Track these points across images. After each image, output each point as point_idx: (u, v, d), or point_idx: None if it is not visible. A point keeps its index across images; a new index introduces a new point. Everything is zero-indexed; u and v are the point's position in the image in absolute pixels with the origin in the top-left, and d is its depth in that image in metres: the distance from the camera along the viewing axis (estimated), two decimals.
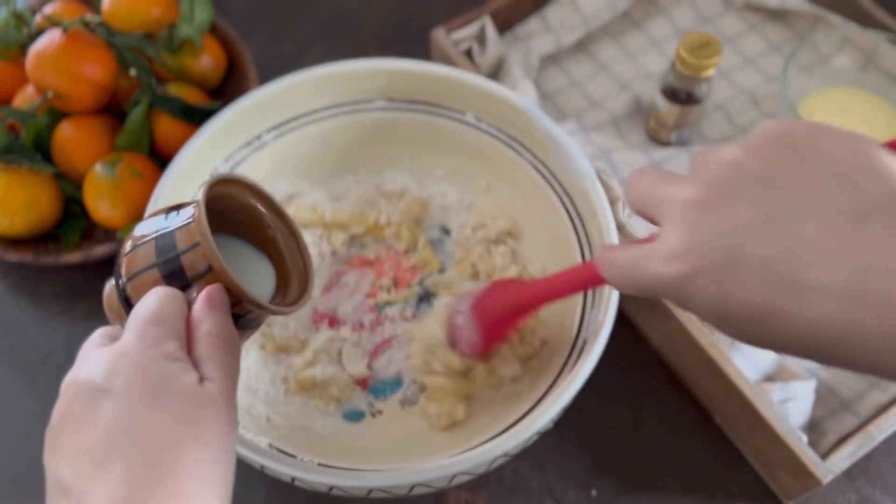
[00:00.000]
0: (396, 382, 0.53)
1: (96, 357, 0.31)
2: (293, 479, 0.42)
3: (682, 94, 0.58)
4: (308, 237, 0.57)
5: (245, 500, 0.51)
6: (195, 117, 0.59)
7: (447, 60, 0.64)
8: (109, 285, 0.37)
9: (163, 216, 0.36)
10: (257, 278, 0.40)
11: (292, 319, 0.55)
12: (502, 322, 0.47)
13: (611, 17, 0.68)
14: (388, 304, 0.56)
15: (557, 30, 0.68)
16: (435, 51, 0.66)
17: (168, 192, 0.50)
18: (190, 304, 0.34)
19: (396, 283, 0.57)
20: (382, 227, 0.58)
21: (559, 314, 0.51)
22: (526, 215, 0.56)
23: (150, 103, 0.59)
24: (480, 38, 0.66)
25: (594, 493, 0.52)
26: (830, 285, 0.25)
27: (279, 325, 0.54)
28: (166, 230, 0.35)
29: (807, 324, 0.26)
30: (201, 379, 0.31)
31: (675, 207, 0.29)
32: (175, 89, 0.61)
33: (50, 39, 0.56)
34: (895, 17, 0.65)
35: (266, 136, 0.56)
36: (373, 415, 0.52)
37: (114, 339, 0.33)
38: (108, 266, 0.55)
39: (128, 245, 0.36)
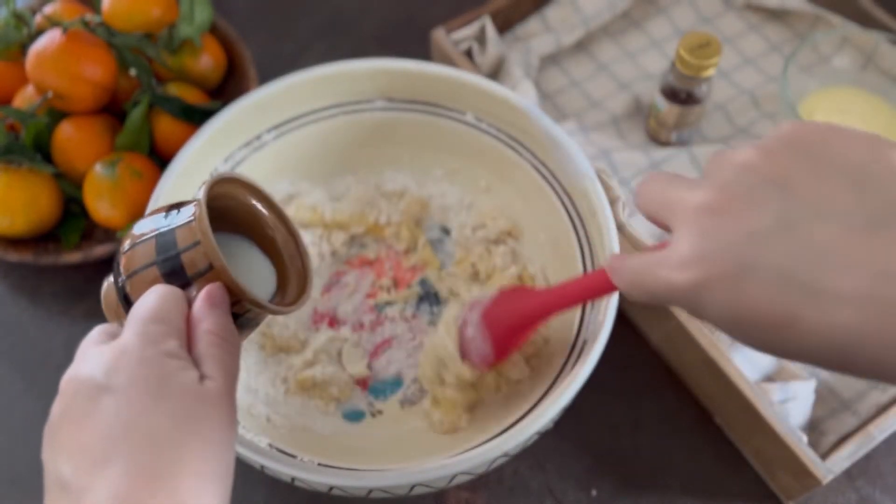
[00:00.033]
0: (396, 382, 0.53)
1: (96, 354, 0.31)
2: (293, 479, 0.42)
3: (682, 94, 0.58)
4: (308, 237, 0.57)
5: (245, 500, 0.51)
6: (195, 117, 0.59)
7: (447, 60, 0.64)
8: (108, 283, 0.37)
9: (162, 215, 0.36)
10: (257, 278, 0.40)
11: (292, 319, 0.55)
12: (514, 333, 0.45)
13: (611, 17, 0.68)
14: (388, 304, 0.56)
15: (557, 30, 0.68)
16: (435, 51, 0.66)
17: (168, 192, 0.49)
18: (190, 302, 0.34)
19: (396, 283, 0.57)
20: (382, 227, 0.58)
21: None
22: (526, 215, 0.56)
23: (150, 103, 0.59)
24: (480, 38, 0.66)
25: (594, 493, 0.52)
26: (849, 292, 0.25)
27: (279, 325, 0.54)
28: (167, 228, 0.35)
29: (825, 331, 0.25)
30: (201, 377, 0.31)
31: (686, 213, 0.28)
32: (175, 89, 0.61)
33: (50, 39, 0.56)
34: (895, 17, 0.65)
35: (266, 136, 0.56)
36: (373, 415, 0.52)
37: (113, 336, 0.33)
38: (108, 266, 0.55)
39: (127, 243, 0.36)
